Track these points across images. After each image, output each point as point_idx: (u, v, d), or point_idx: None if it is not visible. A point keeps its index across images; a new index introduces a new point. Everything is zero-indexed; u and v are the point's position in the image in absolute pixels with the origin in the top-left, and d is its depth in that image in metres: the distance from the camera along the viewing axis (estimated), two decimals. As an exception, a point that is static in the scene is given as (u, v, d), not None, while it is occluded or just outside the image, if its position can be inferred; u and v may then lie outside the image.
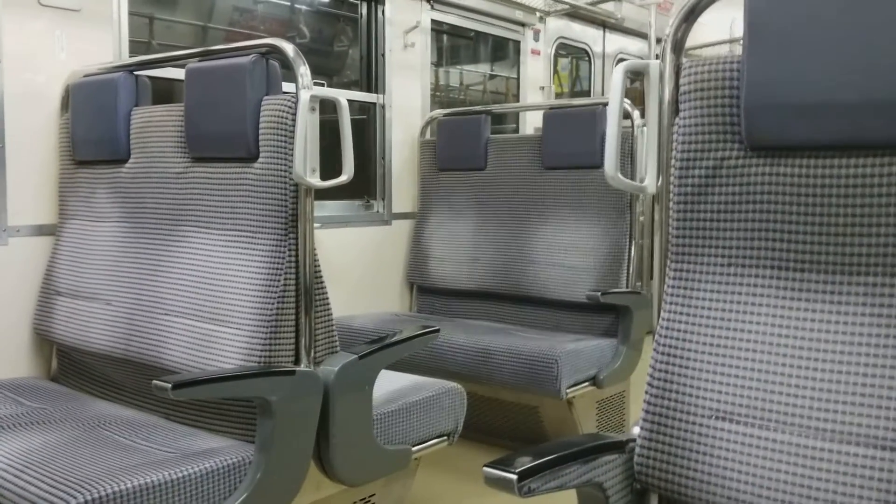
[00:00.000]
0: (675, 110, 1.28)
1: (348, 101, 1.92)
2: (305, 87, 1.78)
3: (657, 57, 1.31)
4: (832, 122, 1.10)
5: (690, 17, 1.26)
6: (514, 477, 1.06)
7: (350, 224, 3.30)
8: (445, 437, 2.13)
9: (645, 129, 1.46)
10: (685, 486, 1.19)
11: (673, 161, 1.27)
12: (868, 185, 1.09)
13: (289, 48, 1.83)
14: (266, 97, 1.88)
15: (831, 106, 1.09)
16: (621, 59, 5.13)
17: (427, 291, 3.48)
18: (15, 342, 2.28)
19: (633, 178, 2.85)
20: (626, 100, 2.82)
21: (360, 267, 3.30)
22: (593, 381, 2.73)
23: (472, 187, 3.38)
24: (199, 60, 2.01)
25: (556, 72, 4.64)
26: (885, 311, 1.08)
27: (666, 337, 1.26)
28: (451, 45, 4.38)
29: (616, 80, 1.32)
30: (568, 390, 2.58)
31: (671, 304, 1.27)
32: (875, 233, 1.09)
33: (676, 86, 1.27)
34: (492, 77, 4.59)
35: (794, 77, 1.11)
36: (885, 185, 1.08)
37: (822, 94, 1.10)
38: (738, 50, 1.22)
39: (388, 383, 2.08)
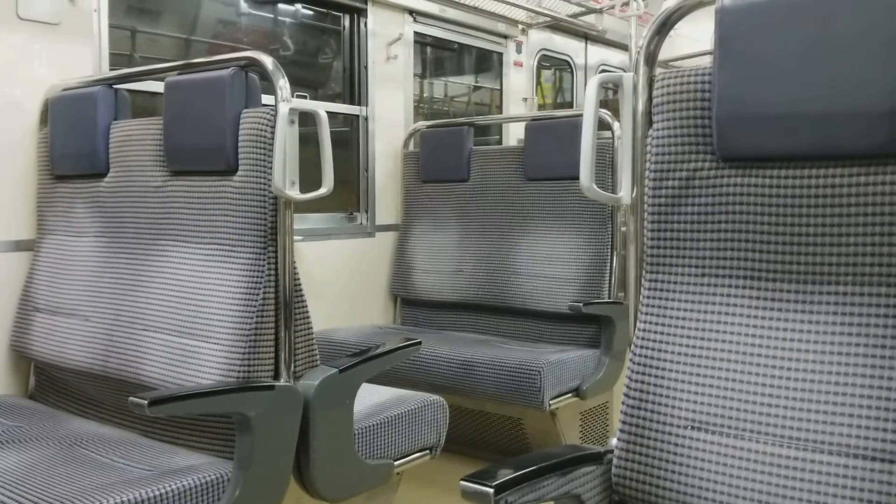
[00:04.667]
0: (649, 122, 1.29)
1: (331, 113, 1.92)
2: (284, 100, 1.78)
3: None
4: (802, 134, 1.11)
5: (663, 29, 1.28)
6: (491, 490, 1.06)
7: (333, 236, 3.29)
8: (428, 451, 2.11)
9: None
10: (662, 496, 1.19)
11: (647, 172, 1.28)
12: (837, 194, 1.11)
13: (268, 61, 1.83)
14: (245, 110, 1.88)
15: (800, 117, 1.10)
16: (604, 71, 5.16)
17: (411, 304, 3.47)
18: (-9, 359, 2.25)
19: (614, 189, 2.86)
20: (606, 111, 2.87)
21: (344, 279, 3.29)
22: (576, 392, 2.72)
23: (455, 199, 3.38)
24: (179, 74, 2.00)
25: (539, 83, 4.66)
26: (854, 319, 1.09)
27: (642, 348, 1.26)
28: (435, 57, 4.40)
29: (590, 92, 1.33)
30: (551, 402, 2.57)
31: (646, 314, 1.27)
32: (845, 242, 1.10)
33: (650, 97, 1.29)
34: (475, 89, 4.61)
35: (763, 89, 1.13)
36: (853, 195, 1.09)
37: (792, 105, 1.11)
38: None
39: (370, 397, 2.07)
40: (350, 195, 3.46)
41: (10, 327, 2.28)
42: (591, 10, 4.46)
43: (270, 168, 1.79)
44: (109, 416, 2.07)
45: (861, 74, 1.05)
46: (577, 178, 2.44)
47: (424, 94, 4.29)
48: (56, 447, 1.78)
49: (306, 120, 1.87)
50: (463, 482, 1.08)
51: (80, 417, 2.10)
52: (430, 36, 3.86)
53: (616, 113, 2.86)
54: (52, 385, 2.25)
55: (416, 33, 3.69)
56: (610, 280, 2.92)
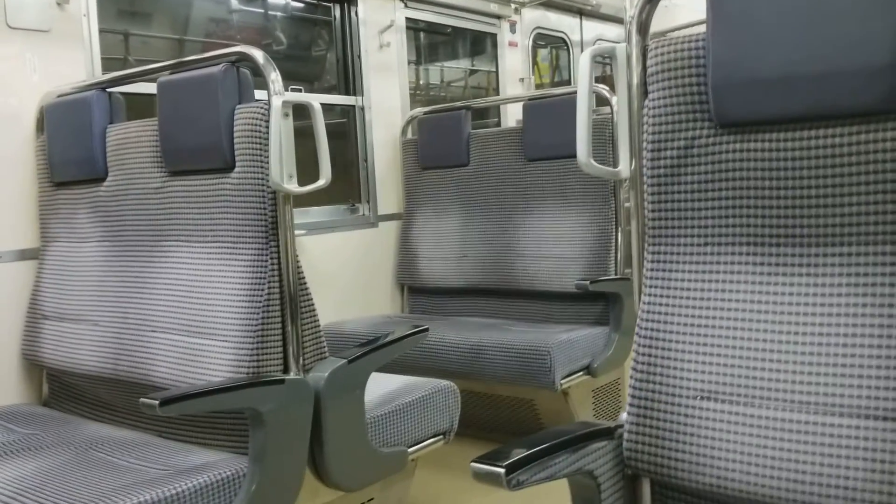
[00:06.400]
0: (645, 92, 1.27)
1: (327, 104, 1.91)
2: (277, 94, 1.77)
3: None
4: (798, 95, 1.09)
5: None
6: (502, 471, 1.05)
7: (336, 229, 3.28)
8: (441, 436, 2.12)
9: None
10: (675, 468, 1.19)
11: (645, 143, 1.26)
12: (837, 154, 1.09)
13: (258, 55, 1.82)
14: (239, 106, 1.87)
15: (796, 78, 1.09)
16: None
17: (418, 291, 3.47)
18: (4, 369, 2.26)
19: (615, 163, 2.84)
20: (602, 86, 2.84)
21: (349, 271, 3.29)
22: (587, 370, 2.72)
23: (456, 184, 3.37)
24: (171, 73, 2.00)
25: (535, 63, 4.62)
26: (861, 280, 1.08)
27: (648, 320, 1.25)
28: (429, 42, 4.37)
29: (583, 66, 1.31)
30: (562, 381, 2.57)
31: (651, 286, 1.26)
32: (847, 202, 1.09)
33: (644, 68, 1.27)
34: (472, 72, 4.57)
35: (758, 52, 1.11)
36: (853, 154, 1.08)
37: (787, 67, 1.09)
38: None
39: (381, 386, 2.08)
40: (350, 187, 3.45)
41: (20, 336, 2.29)
42: (583, -15, 4.42)
43: (267, 163, 1.78)
44: (123, 418, 2.08)
45: (855, 31, 1.03)
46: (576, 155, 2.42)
47: (420, 81, 4.26)
48: (72, 452, 1.79)
49: (304, 113, 1.86)
50: (474, 464, 1.08)
51: (95, 421, 2.11)
52: (422, 21, 3.83)
53: (614, 88, 2.84)
54: (64, 391, 2.27)
55: (407, 19, 3.66)
56: (616, 256, 2.91)
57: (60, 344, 2.16)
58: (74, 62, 2.40)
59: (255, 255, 1.81)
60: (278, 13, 3.47)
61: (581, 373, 2.70)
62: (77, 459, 1.74)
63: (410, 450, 2.01)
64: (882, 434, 1.02)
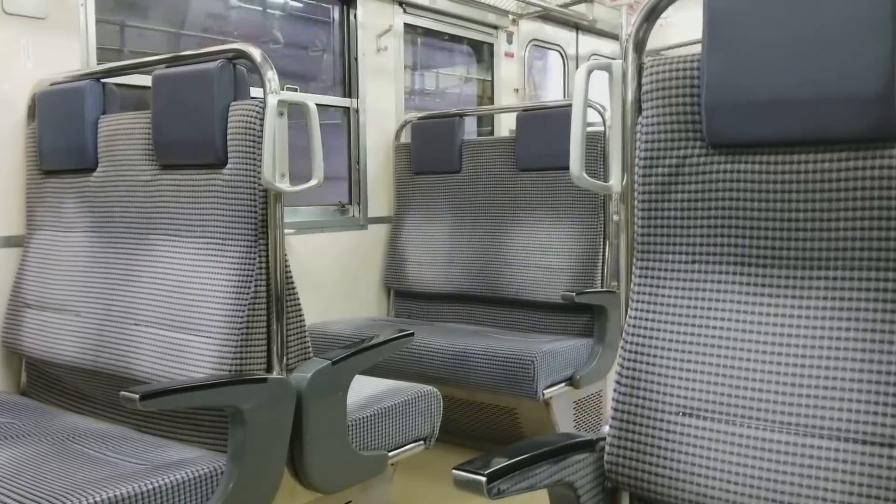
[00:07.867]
0: (639, 109, 1.29)
1: (322, 105, 1.91)
2: (273, 92, 1.77)
3: None
4: (790, 119, 1.11)
5: (651, 16, 1.27)
6: (484, 479, 1.06)
7: (325, 229, 3.28)
8: (422, 441, 2.12)
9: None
10: (655, 483, 1.20)
11: (636, 160, 1.28)
12: (827, 179, 1.11)
13: (256, 52, 1.82)
14: (234, 102, 1.87)
15: (789, 103, 1.10)
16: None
17: (404, 295, 3.47)
18: (-18, 356, 2.24)
19: (606, 178, 2.86)
20: (596, 101, 2.86)
21: (337, 272, 3.29)
22: (570, 381, 2.73)
23: (447, 190, 3.38)
24: (166, 67, 1.99)
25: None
26: (845, 304, 1.09)
27: (633, 335, 1.26)
28: (426, 48, 4.38)
29: (579, 80, 1.32)
30: (545, 391, 2.58)
31: (637, 302, 1.27)
32: (834, 227, 1.10)
33: (639, 85, 1.28)
34: (467, 80, 4.59)
35: (752, 75, 1.13)
36: (842, 181, 1.09)
37: (780, 91, 1.11)
38: None
39: (363, 388, 2.07)
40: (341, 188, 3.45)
41: (0, 324, 2.27)
42: (581, 0, 4.45)
43: (260, 160, 1.78)
44: (102, 411, 2.06)
45: (848, 59, 1.05)
46: (568, 167, 2.44)
47: (416, 87, 4.27)
48: (48, 443, 1.77)
49: (300, 114, 1.86)
50: (455, 471, 1.08)
51: (73, 413, 2.09)
52: (420, 27, 3.84)
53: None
54: (43, 381, 2.24)
55: (406, 24, 3.68)
56: (602, 269, 2.93)
57: (41, 333, 2.14)
58: (69, 51, 2.38)
59: (243, 252, 1.80)
60: (277, 12, 3.47)
61: (564, 383, 2.71)
62: (53, 450, 1.72)
63: (391, 454, 2.01)
64: (861, 458, 1.04)
